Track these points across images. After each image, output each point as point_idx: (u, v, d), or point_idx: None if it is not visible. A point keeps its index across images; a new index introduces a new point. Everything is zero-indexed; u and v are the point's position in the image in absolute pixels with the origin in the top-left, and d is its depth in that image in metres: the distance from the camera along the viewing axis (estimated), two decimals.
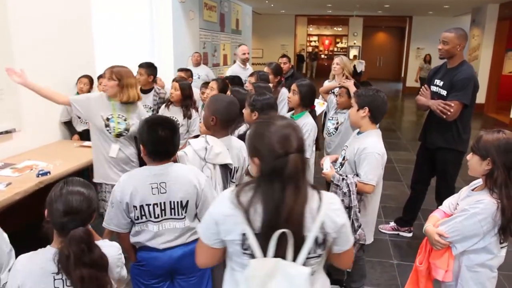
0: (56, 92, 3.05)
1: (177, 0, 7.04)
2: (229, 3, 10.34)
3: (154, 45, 6.85)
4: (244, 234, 1.29)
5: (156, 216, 1.95)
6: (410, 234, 3.83)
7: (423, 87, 3.49)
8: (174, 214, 1.97)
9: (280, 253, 1.26)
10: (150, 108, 4.15)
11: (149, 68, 4.20)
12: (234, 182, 2.40)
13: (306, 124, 3.04)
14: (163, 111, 3.86)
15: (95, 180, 3.07)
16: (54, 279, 1.42)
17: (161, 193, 1.92)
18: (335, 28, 21.63)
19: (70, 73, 4.20)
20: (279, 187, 1.25)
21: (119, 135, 3.00)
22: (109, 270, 1.51)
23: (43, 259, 1.43)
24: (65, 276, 1.41)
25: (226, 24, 10.14)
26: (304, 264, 1.29)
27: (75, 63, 4.25)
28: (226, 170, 2.29)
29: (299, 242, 1.27)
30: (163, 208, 1.94)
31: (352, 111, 2.58)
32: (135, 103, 3.09)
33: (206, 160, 2.19)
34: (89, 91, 4.22)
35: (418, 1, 11.31)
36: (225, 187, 2.26)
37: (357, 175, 2.43)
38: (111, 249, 1.56)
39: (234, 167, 2.36)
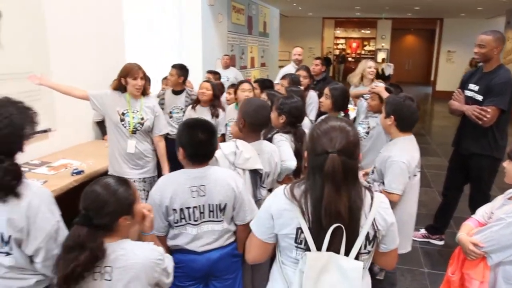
0: (74, 87, 3.11)
1: (206, 3, 7.11)
2: (257, 6, 10.37)
3: (183, 47, 6.93)
4: (299, 228, 1.36)
5: (195, 219, 1.95)
6: (442, 242, 3.74)
7: (456, 91, 3.40)
8: (213, 217, 1.98)
9: (333, 247, 1.32)
10: (181, 109, 4.21)
11: (181, 70, 4.24)
12: (264, 188, 2.39)
13: None
14: (189, 113, 3.91)
15: (109, 173, 3.06)
16: None
17: (200, 196, 1.93)
18: (362, 31, 21.38)
19: (102, 74, 4.29)
20: (319, 183, 1.32)
21: (134, 130, 3.02)
22: (144, 273, 1.51)
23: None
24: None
25: (254, 27, 10.18)
26: (356, 259, 1.35)
27: (106, 65, 4.34)
28: (256, 175, 2.27)
29: (351, 237, 1.34)
30: (202, 211, 1.95)
31: (381, 118, 2.55)
32: (148, 97, 3.13)
33: (235, 165, 2.19)
34: None
35: (450, 3, 11.05)
36: (254, 193, 2.25)
37: (383, 184, 2.40)
38: (151, 253, 1.56)
39: (265, 172, 2.34)
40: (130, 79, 2.95)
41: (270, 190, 2.59)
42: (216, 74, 5.48)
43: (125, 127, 3.00)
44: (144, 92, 3.08)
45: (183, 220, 1.95)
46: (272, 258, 1.56)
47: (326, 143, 1.32)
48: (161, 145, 3.18)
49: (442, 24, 15.46)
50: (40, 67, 3.54)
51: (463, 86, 3.38)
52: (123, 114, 2.99)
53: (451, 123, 9.08)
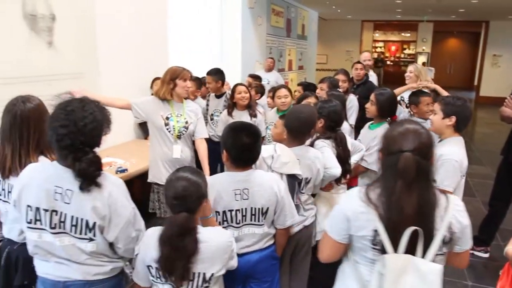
0: (115, 97, 3.04)
1: (246, 6, 7.16)
2: (296, 8, 10.35)
3: (222, 50, 7.02)
4: (375, 231, 1.40)
5: (237, 221, 1.97)
6: (487, 255, 3.59)
7: (508, 97, 3.26)
8: (254, 220, 1.99)
9: (409, 249, 1.36)
10: (220, 112, 4.20)
11: (216, 75, 4.27)
12: (303, 193, 2.39)
13: (379, 135, 2.96)
14: (227, 118, 3.88)
15: (149, 180, 3.08)
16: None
17: (243, 199, 1.94)
18: (402, 34, 20.87)
19: (146, 76, 4.42)
20: (392, 182, 1.38)
21: (179, 135, 2.99)
22: (214, 255, 1.64)
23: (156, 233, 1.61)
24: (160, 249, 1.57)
25: (292, 30, 10.16)
26: (432, 261, 1.38)
27: (151, 68, 4.47)
28: (294, 181, 2.26)
29: (427, 240, 1.37)
30: (244, 214, 1.96)
31: (436, 118, 2.49)
32: (190, 101, 3.15)
33: (272, 168, 2.19)
34: None
35: (497, 5, 10.62)
36: (292, 198, 2.25)
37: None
38: (220, 237, 1.69)
39: (304, 178, 2.34)
40: (180, 81, 2.92)
41: (313, 195, 2.58)
42: (257, 78, 5.49)
43: (169, 131, 2.96)
44: (190, 96, 3.09)
45: (225, 223, 1.96)
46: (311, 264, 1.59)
47: (401, 143, 1.39)
48: (203, 148, 3.13)
49: (488, 27, 14.85)
50: (89, 69, 3.69)
51: None
52: (167, 118, 2.96)
53: (495, 130, 8.73)
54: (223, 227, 1.97)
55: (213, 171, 3.03)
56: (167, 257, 1.55)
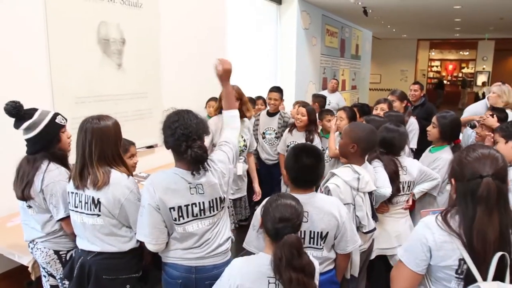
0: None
1: (301, 27, 7.25)
2: (350, 28, 10.33)
3: (277, 70, 7.13)
4: (461, 259, 1.39)
5: None
6: None
7: None
8: (313, 244, 1.98)
9: (497, 275, 1.34)
10: (274, 130, 4.25)
11: (282, 93, 4.34)
12: (374, 206, 2.39)
13: (439, 159, 2.88)
14: (286, 136, 3.95)
15: None
16: (269, 282, 1.57)
17: (303, 222, 1.93)
18: (460, 52, 20.12)
19: (202, 95, 4.55)
20: (471, 208, 1.36)
21: (241, 152, 3.07)
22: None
23: (260, 263, 1.59)
24: (278, 277, 1.53)
25: (346, 50, 10.13)
26: None
27: (210, 89, 4.61)
28: (371, 197, 2.30)
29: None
30: (302, 236, 1.95)
31: (500, 147, 2.41)
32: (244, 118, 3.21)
33: (359, 189, 2.18)
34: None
35: None
36: (373, 213, 2.29)
37: None
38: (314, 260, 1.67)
39: (373, 191, 2.34)
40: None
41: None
42: (322, 98, 5.52)
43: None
44: (243, 115, 3.14)
45: None
46: None
47: (479, 168, 1.37)
48: (252, 160, 3.39)
49: None
50: (153, 89, 3.89)
51: None
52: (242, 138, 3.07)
53: None
54: None
55: (267, 192, 3.09)
56: (296, 280, 1.50)
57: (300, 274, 1.50)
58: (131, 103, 3.67)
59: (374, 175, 2.41)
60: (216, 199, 1.93)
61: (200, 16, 4.52)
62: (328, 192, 2.17)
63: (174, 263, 1.93)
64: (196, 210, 1.89)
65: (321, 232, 1.95)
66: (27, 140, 2.04)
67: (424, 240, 1.45)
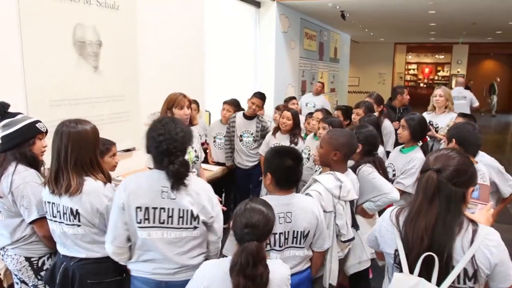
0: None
1: (280, 30, 7.30)
2: (329, 32, 10.45)
3: (256, 73, 7.16)
4: (396, 250, 1.46)
5: (280, 245, 1.98)
6: None
7: None
8: (296, 243, 2.01)
9: (425, 274, 1.37)
10: (251, 134, 4.25)
11: (264, 100, 4.36)
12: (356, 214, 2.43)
13: (414, 159, 2.97)
14: (269, 138, 3.97)
15: None
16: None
17: (287, 222, 1.96)
18: (436, 56, 20.58)
19: None
20: (415, 199, 1.44)
21: (193, 166, 2.89)
22: (279, 286, 1.61)
23: (227, 266, 1.59)
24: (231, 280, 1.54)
25: (325, 53, 10.24)
26: None
27: (187, 92, 4.57)
28: (352, 205, 2.32)
29: (445, 269, 1.35)
30: (286, 237, 1.98)
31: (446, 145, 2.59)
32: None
33: (341, 198, 2.20)
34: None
35: None
36: (353, 221, 2.32)
37: None
38: (282, 269, 1.67)
39: (355, 200, 2.38)
40: (176, 110, 2.81)
41: None
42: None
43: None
44: (191, 122, 3.07)
45: (268, 246, 1.98)
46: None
47: (430, 163, 1.46)
48: (203, 173, 3.33)
49: None
50: (131, 92, 3.85)
51: None
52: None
53: None
54: (266, 251, 1.99)
55: (242, 197, 3.07)
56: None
57: (249, 283, 1.50)
58: (108, 106, 3.63)
59: (357, 184, 2.43)
60: (187, 211, 1.83)
61: (179, 18, 4.50)
62: None
63: (144, 277, 1.88)
64: (164, 216, 1.82)
65: (304, 231, 1.99)
66: (2, 137, 2.01)
67: (376, 228, 1.65)
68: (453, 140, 2.47)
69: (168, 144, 1.77)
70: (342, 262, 2.42)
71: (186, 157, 2.85)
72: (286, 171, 1.98)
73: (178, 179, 1.79)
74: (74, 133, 1.89)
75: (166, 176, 1.80)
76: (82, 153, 1.90)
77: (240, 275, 1.51)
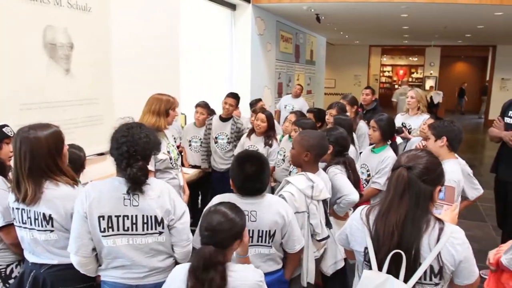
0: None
1: (256, 33, 7.34)
2: (304, 34, 10.55)
3: (232, 75, 7.16)
4: (366, 248, 1.49)
5: None
6: None
7: (496, 118, 3.43)
8: (261, 242, 2.02)
9: (394, 271, 1.40)
10: (226, 135, 4.27)
11: (238, 100, 4.37)
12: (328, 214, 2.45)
13: (387, 158, 3.05)
14: (244, 140, 3.99)
15: None
16: None
17: (251, 221, 1.97)
18: (410, 58, 21.05)
19: None
20: (386, 195, 1.48)
21: (176, 160, 3.02)
22: None
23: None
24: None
25: (301, 55, 10.33)
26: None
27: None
28: (325, 204, 2.35)
29: (412, 265, 1.40)
30: (251, 235, 1.99)
31: (430, 143, 2.63)
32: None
33: (313, 198, 2.22)
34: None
35: (503, 30, 10.71)
36: (327, 221, 2.35)
37: None
38: (255, 274, 1.63)
39: (329, 199, 2.41)
40: (172, 111, 2.99)
41: None
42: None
43: (172, 164, 2.99)
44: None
45: None
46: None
47: (401, 160, 1.51)
48: (183, 174, 3.35)
49: (495, 51, 14.95)
50: (104, 94, 3.80)
51: (503, 113, 3.40)
52: (168, 152, 2.97)
53: None
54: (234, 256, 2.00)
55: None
56: None
57: (200, 286, 1.49)
58: (80, 110, 3.57)
59: (329, 183, 2.48)
60: (151, 216, 1.81)
61: (153, 21, 4.48)
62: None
63: (114, 282, 1.87)
64: (127, 223, 1.80)
65: (269, 231, 2.00)
66: None
67: (347, 226, 1.67)
68: (444, 137, 2.57)
69: (129, 147, 1.75)
70: (318, 262, 2.45)
71: (166, 156, 2.94)
72: (245, 178, 1.98)
73: (135, 184, 1.77)
74: (26, 139, 1.82)
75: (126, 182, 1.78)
76: (36, 161, 1.83)
77: (192, 277, 1.51)
